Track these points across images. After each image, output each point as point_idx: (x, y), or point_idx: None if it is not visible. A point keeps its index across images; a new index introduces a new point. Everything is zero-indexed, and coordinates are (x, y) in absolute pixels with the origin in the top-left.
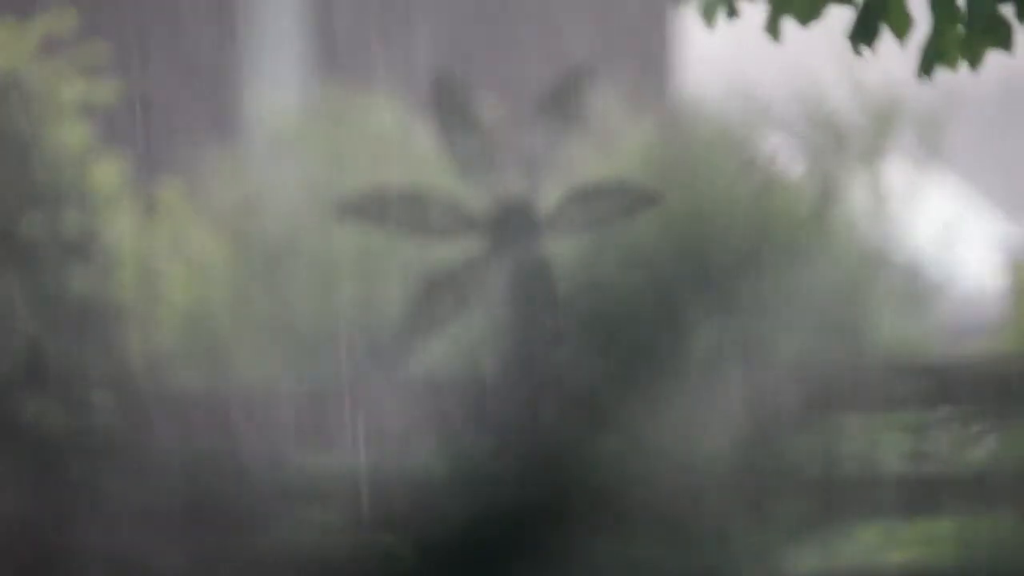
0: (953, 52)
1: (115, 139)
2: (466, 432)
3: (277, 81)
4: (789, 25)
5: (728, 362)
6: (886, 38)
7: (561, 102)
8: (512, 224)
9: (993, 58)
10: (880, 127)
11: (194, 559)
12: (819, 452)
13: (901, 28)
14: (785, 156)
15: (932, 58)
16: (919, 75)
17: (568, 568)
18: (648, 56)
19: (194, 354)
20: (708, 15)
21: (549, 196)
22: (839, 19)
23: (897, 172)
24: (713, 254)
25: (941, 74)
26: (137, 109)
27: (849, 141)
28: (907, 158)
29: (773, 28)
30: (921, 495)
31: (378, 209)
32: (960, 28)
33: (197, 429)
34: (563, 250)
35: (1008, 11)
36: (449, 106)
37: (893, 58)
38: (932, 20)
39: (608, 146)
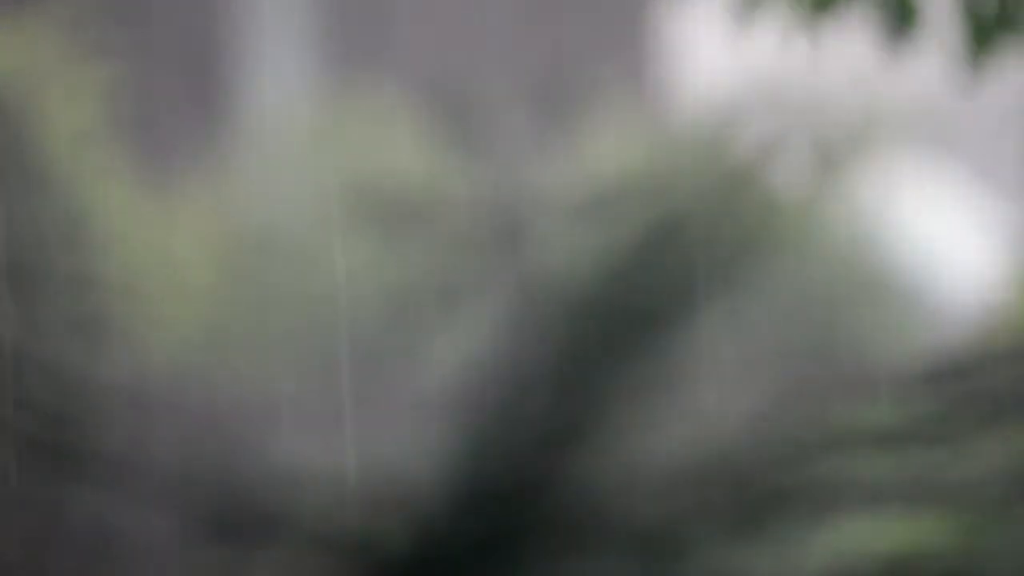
0: (987, 41)
1: (115, 130)
2: (459, 434)
3: (278, 73)
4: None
5: (722, 359)
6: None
7: (555, 101)
8: (507, 228)
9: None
10: (886, 123)
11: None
12: (811, 452)
13: (909, 20)
14: (789, 154)
15: (973, 49)
16: (964, 70)
17: None
18: (644, 56)
19: (184, 352)
20: (745, 15)
21: (547, 195)
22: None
23: (906, 167)
24: (706, 255)
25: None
26: (136, 99)
27: (855, 138)
28: (918, 151)
29: (795, 27)
30: (915, 494)
31: (381, 211)
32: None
33: (188, 432)
34: (563, 252)
35: None
36: (451, 108)
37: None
38: (961, 16)
39: (601, 146)
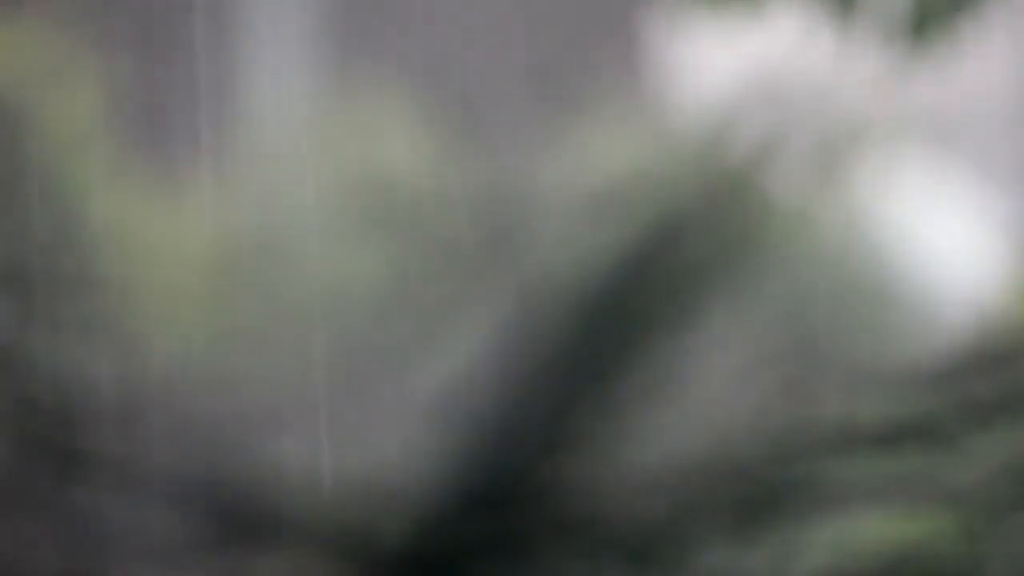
0: (933, 25)
1: (115, 129)
2: (458, 435)
3: (280, 72)
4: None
5: (721, 361)
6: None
7: (553, 101)
8: (506, 229)
9: (1003, 49)
10: (885, 122)
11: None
12: (809, 452)
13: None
14: (788, 153)
15: (917, 32)
16: (911, 39)
17: None
18: (642, 56)
19: (185, 353)
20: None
21: (545, 195)
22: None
23: (906, 166)
24: (705, 257)
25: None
26: (137, 97)
27: (854, 137)
28: (917, 150)
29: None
30: (915, 494)
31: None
32: None
33: (188, 433)
34: (562, 253)
35: None
36: (450, 108)
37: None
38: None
39: (599, 146)
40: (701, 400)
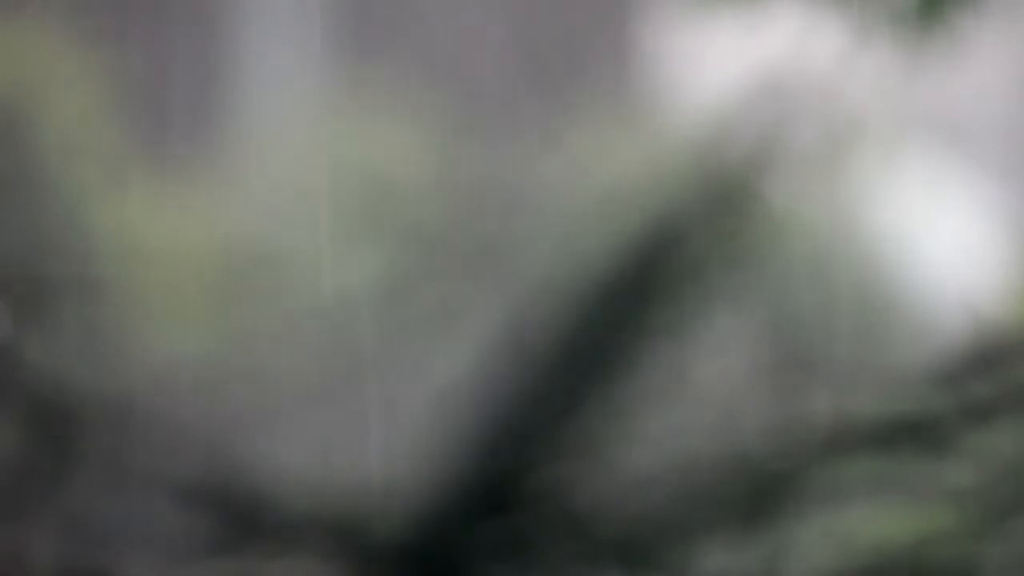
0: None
1: (113, 126)
2: (457, 439)
3: (281, 72)
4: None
5: (719, 365)
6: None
7: (549, 102)
8: (502, 232)
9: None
10: (889, 121)
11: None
12: (809, 452)
13: None
14: (787, 154)
15: (923, 16)
16: (913, 36)
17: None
18: (640, 59)
19: (185, 355)
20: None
21: (540, 199)
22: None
23: (908, 166)
24: (703, 262)
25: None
26: (137, 95)
27: (856, 137)
28: (919, 150)
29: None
30: (915, 494)
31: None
32: None
33: (188, 437)
34: (558, 258)
35: None
36: (446, 109)
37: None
38: None
39: (596, 149)
40: (702, 401)
